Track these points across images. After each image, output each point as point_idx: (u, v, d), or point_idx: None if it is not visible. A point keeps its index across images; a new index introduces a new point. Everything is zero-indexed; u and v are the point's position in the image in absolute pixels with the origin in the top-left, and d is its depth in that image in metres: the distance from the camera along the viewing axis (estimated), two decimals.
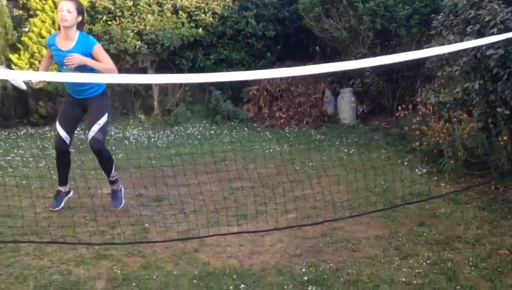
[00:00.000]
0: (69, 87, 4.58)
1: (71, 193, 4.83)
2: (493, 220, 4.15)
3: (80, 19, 4.33)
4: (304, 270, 3.42)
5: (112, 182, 4.73)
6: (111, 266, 3.53)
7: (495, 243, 3.73)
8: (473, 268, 3.37)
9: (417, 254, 3.61)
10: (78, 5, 4.34)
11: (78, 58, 4.17)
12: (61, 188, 4.74)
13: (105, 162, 4.58)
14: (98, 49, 4.36)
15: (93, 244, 3.83)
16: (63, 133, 4.47)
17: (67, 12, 4.21)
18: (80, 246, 3.82)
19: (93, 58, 4.30)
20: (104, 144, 4.50)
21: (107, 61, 4.35)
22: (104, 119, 4.46)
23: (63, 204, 4.70)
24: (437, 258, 3.52)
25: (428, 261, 3.48)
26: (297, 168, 5.96)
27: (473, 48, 4.84)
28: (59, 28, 4.42)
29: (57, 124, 4.53)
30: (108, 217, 4.38)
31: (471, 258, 3.48)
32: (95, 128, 4.40)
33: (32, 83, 4.40)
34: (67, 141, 4.49)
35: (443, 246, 3.72)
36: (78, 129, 8.65)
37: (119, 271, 3.46)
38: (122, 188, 4.81)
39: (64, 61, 4.22)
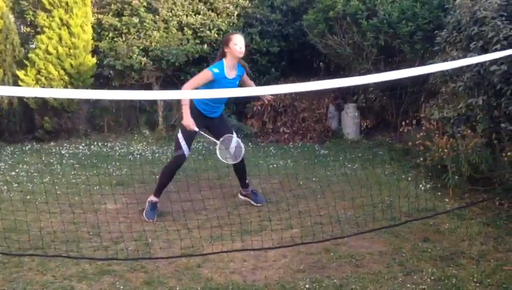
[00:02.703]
0: (208, 108, 4.94)
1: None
2: (498, 236, 4.12)
3: None
4: (307, 286, 3.40)
5: (247, 185, 5.24)
6: (114, 282, 3.53)
7: (500, 259, 3.70)
8: (477, 284, 3.34)
9: (421, 270, 3.58)
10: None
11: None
12: (157, 199, 4.97)
13: (244, 164, 5.14)
14: (245, 73, 5.12)
15: (96, 259, 3.83)
16: (187, 151, 4.88)
17: (243, 45, 4.79)
18: (82, 261, 3.82)
19: (240, 79, 5.03)
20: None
21: (251, 82, 5.30)
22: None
23: (156, 216, 4.89)
24: (441, 274, 3.49)
25: (432, 278, 3.46)
26: (301, 183, 5.95)
27: (477, 64, 4.86)
28: (220, 57, 4.92)
29: (183, 141, 4.82)
30: (112, 233, 4.38)
31: (475, 275, 3.45)
32: (236, 138, 4.99)
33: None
34: (187, 156, 4.94)
35: (447, 262, 3.69)
36: (82, 144, 8.75)
37: (121, 287, 3.45)
38: None
39: (217, 106, 4.96)
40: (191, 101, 4.80)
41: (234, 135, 4.98)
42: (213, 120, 5.01)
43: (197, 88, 4.73)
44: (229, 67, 4.83)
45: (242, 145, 4.87)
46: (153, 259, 3.85)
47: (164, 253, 3.93)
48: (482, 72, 4.88)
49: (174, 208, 4.84)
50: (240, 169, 5.14)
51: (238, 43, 4.73)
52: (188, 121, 4.68)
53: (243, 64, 5.00)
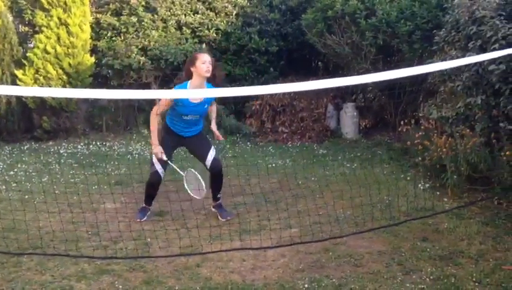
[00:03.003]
0: (179, 128, 4.77)
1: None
2: (496, 236, 4.13)
3: None
4: (306, 285, 3.40)
5: (218, 199, 4.91)
6: (113, 281, 3.52)
7: (499, 258, 3.71)
8: (476, 284, 3.34)
9: (420, 269, 3.58)
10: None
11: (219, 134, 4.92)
12: (147, 206, 4.92)
13: (221, 182, 4.82)
14: (215, 100, 4.95)
15: (95, 258, 3.82)
16: (160, 169, 4.66)
17: (210, 64, 4.49)
18: (81, 261, 3.81)
19: (211, 104, 4.83)
20: (221, 165, 4.79)
21: (215, 105, 5.04)
22: (213, 149, 4.83)
23: (145, 217, 4.85)
24: (440, 273, 3.50)
25: (431, 277, 3.46)
26: (300, 182, 5.95)
27: (475, 64, 4.86)
28: (186, 78, 4.69)
29: (155, 161, 4.64)
30: (111, 232, 4.38)
31: (474, 274, 3.46)
32: (212, 154, 4.74)
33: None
34: (162, 177, 4.72)
35: (446, 261, 3.69)
36: (81, 144, 8.73)
37: (120, 286, 3.44)
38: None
39: (204, 111, 4.74)
40: (166, 119, 4.79)
41: (210, 156, 4.72)
42: (189, 139, 4.84)
43: (163, 112, 4.70)
44: (195, 87, 4.55)
45: (201, 181, 4.57)
46: (152, 258, 3.84)
47: (163, 252, 3.92)
48: (481, 71, 4.88)
49: (173, 207, 4.84)
50: (214, 182, 4.84)
51: (204, 62, 4.48)
52: (157, 149, 4.56)
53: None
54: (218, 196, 4.86)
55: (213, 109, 4.99)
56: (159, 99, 4.68)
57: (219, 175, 4.76)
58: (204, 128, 5.05)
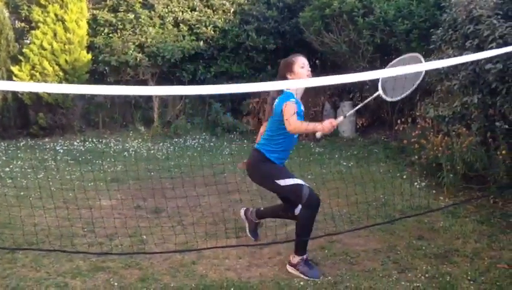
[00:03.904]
0: (287, 153, 3.83)
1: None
2: (492, 234, 4.14)
3: None
4: (302, 283, 3.40)
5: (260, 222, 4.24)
6: (108, 278, 3.51)
7: (494, 257, 3.71)
8: (471, 282, 3.35)
9: (415, 267, 3.59)
10: None
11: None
12: (306, 256, 3.66)
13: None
14: None
15: (90, 253, 3.82)
16: (304, 182, 3.71)
17: (309, 67, 3.78)
18: (76, 258, 3.80)
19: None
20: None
21: None
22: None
23: (316, 269, 3.62)
24: (435, 272, 3.50)
25: (426, 275, 3.46)
26: None
27: (472, 63, 4.87)
28: None
29: (290, 180, 3.67)
30: (106, 229, 4.37)
31: (469, 272, 3.46)
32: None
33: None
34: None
35: (442, 259, 3.70)
36: (77, 140, 8.71)
37: (116, 283, 3.44)
38: None
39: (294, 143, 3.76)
40: (264, 152, 3.73)
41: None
42: None
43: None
44: (299, 94, 3.84)
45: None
46: (147, 254, 3.84)
47: (159, 249, 3.92)
48: (478, 70, 4.89)
49: (169, 204, 4.83)
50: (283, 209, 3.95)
51: (304, 65, 3.74)
52: (326, 123, 3.50)
53: None
54: (262, 221, 4.22)
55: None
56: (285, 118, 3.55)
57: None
58: None
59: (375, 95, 3.77)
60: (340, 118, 3.71)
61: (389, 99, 3.74)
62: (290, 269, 3.60)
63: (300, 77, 3.68)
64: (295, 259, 3.59)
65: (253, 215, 4.18)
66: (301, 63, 3.74)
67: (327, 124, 3.49)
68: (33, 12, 9.10)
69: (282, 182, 3.65)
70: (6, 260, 3.78)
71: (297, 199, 3.63)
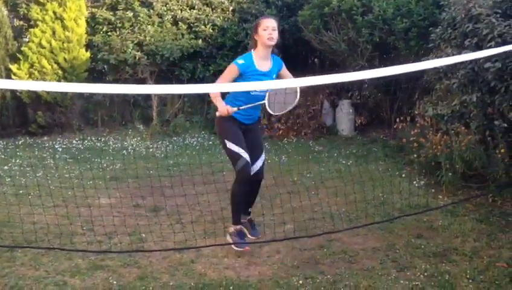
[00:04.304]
0: (244, 113, 3.98)
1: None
2: (491, 233, 4.14)
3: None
4: (301, 282, 3.41)
5: (249, 213, 4.31)
6: (107, 277, 3.51)
7: (492, 255, 3.72)
8: (470, 281, 3.35)
9: (414, 266, 3.59)
10: (278, 22, 4.06)
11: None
12: (242, 227, 4.11)
13: (256, 193, 4.24)
14: (284, 65, 4.18)
15: (90, 251, 3.82)
16: (247, 156, 3.89)
17: (272, 30, 3.90)
18: (75, 256, 3.80)
19: (279, 76, 4.10)
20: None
21: (290, 74, 4.20)
22: (264, 155, 4.15)
23: (247, 245, 4.00)
24: (434, 270, 3.51)
25: (425, 274, 3.47)
26: (295, 179, 5.95)
27: (471, 61, 4.87)
28: (250, 48, 4.04)
29: (235, 146, 3.89)
30: (105, 227, 4.37)
31: (468, 271, 3.47)
32: (262, 158, 4.08)
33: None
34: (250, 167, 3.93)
35: (440, 258, 3.71)
36: (76, 139, 8.70)
37: (115, 282, 3.44)
38: None
39: (255, 105, 3.88)
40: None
41: (260, 161, 4.03)
42: (248, 128, 4.06)
43: (231, 81, 3.91)
44: (261, 57, 3.96)
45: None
46: (147, 252, 3.84)
47: (158, 248, 3.92)
48: (476, 69, 4.89)
49: (168, 203, 4.83)
50: (250, 192, 4.18)
51: (265, 28, 3.88)
52: (222, 108, 3.79)
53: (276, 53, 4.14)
54: (250, 210, 4.29)
55: (285, 74, 4.16)
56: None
57: (258, 186, 4.16)
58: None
59: (262, 102, 3.92)
60: (235, 109, 3.89)
61: (270, 111, 3.95)
62: (227, 237, 4.05)
63: (262, 39, 3.91)
64: (230, 228, 4.05)
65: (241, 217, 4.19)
66: (264, 25, 3.90)
67: (223, 108, 3.81)
68: (32, 10, 9.08)
69: (228, 144, 3.93)
70: (5, 258, 3.78)
71: (233, 166, 3.96)
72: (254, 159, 4.01)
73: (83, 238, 4.17)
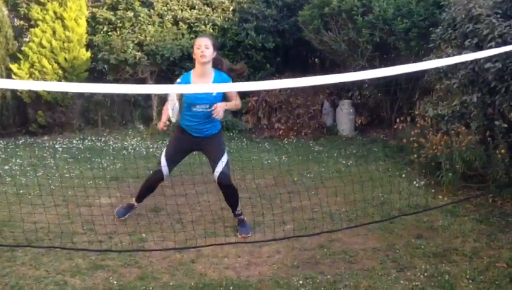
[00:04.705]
0: (191, 125, 4.35)
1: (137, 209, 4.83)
2: (491, 233, 4.15)
3: (214, 54, 4.22)
4: (301, 282, 3.41)
5: (238, 215, 4.49)
6: (107, 277, 3.52)
7: (492, 256, 3.73)
8: (470, 281, 3.36)
9: (414, 266, 3.60)
10: (214, 41, 4.27)
11: (221, 108, 4.12)
12: (135, 204, 4.75)
13: (232, 195, 4.39)
14: None
15: (90, 250, 3.82)
16: (166, 171, 4.39)
17: (205, 48, 4.11)
18: (76, 256, 3.81)
19: (224, 95, 4.26)
20: (230, 178, 4.33)
21: (237, 97, 4.39)
22: (226, 157, 4.32)
23: (127, 216, 4.69)
24: (434, 270, 3.51)
25: (425, 274, 3.47)
26: (296, 179, 5.96)
27: (471, 62, 4.87)
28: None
29: (164, 158, 4.40)
30: (106, 227, 4.37)
31: (468, 271, 3.47)
32: (221, 165, 4.24)
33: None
34: (166, 177, 4.45)
35: (440, 258, 3.71)
36: (76, 139, 8.70)
37: (115, 282, 3.44)
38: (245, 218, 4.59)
39: (213, 114, 4.10)
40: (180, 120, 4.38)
41: (218, 169, 4.24)
42: (201, 141, 4.39)
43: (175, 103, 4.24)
44: (197, 74, 4.22)
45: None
46: (147, 251, 3.84)
47: (158, 248, 3.92)
48: (477, 69, 4.89)
49: (169, 202, 4.84)
50: (225, 198, 4.45)
51: (198, 46, 4.12)
52: (160, 122, 4.27)
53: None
54: (236, 212, 4.47)
55: (232, 97, 4.36)
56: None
57: (227, 190, 4.33)
58: (221, 134, 4.59)
59: (174, 106, 4.14)
60: (163, 124, 4.27)
61: (171, 114, 4.14)
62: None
63: (196, 57, 4.16)
64: (132, 200, 4.73)
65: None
66: (197, 44, 4.16)
67: (160, 123, 4.29)
68: (32, 10, 9.07)
69: (163, 151, 4.50)
70: (6, 258, 3.79)
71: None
72: (213, 166, 4.28)
73: (84, 238, 4.17)
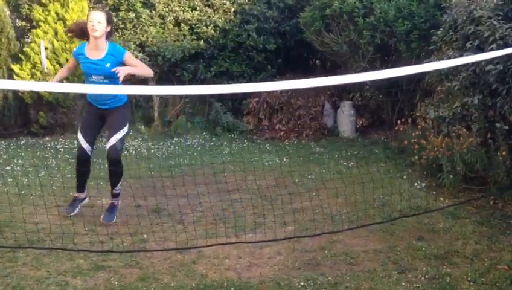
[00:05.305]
0: (93, 97, 4.58)
1: (86, 200, 4.92)
2: (492, 235, 4.14)
3: (109, 28, 4.43)
4: (302, 283, 3.41)
5: (114, 195, 4.71)
6: (108, 278, 3.52)
7: (494, 258, 3.72)
8: (471, 283, 3.36)
9: (416, 268, 3.60)
10: (108, 15, 4.45)
11: (123, 71, 4.26)
12: (78, 195, 4.83)
13: (117, 173, 4.58)
14: (128, 56, 4.50)
15: (92, 251, 3.83)
16: (85, 144, 4.52)
17: (97, 23, 4.30)
18: (77, 257, 3.81)
19: (124, 65, 4.42)
20: (120, 155, 4.52)
21: (140, 64, 4.61)
22: (125, 130, 4.53)
23: (77, 210, 4.79)
24: (435, 272, 3.51)
25: (426, 276, 3.47)
26: (296, 180, 5.96)
27: (472, 64, 4.88)
28: (87, 39, 4.47)
29: (79, 134, 4.56)
30: (107, 228, 4.38)
31: (469, 273, 3.47)
32: (116, 137, 4.45)
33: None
34: (89, 152, 4.55)
35: (442, 260, 3.71)
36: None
37: (116, 282, 3.45)
38: (119, 205, 4.80)
39: (117, 74, 4.23)
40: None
41: (112, 140, 4.44)
42: (105, 113, 4.58)
43: (71, 68, 4.75)
44: (90, 47, 4.42)
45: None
46: (148, 252, 3.84)
47: (159, 248, 3.92)
48: (478, 71, 4.90)
49: (170, 203, 4.84)
50: (109, 172, 4.66)
51: (90, 20, 4.32)
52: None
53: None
54: (114, 191, 4.66)
55: (133, 65, 4.47)
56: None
57: (114, 165, 4.48)
58: (128, 108, 4.77)
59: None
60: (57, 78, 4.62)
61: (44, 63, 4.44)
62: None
63: (88, 30, 4.34)
64: (76, 194, 4.80)
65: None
66: (90, 18, 4.36)
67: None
68: (34, 11, 9.09)
69: (78, 128, 4.66)
70: (7, 258, 3.79)
71: None
72: (108, 138, 4.50)
73: (85, 239, 4.17)
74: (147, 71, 4.55)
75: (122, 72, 4.23)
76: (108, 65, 4.37)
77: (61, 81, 4.64)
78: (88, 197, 4.94)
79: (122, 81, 4.28)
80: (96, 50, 4.41)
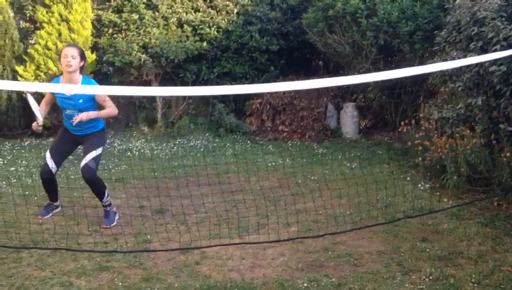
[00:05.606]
0: (68, 126, 4.66)
1: (59, 208, 4.93)
2: (496, 237, 4.13)
3: (82, 63, 4.49)
4: (305, 284, 3.41)
5: (104, 205, 4.71)
6: (112, 278, 3.53)
7: (498, 259, 3.72)
8: (475, 285, 3.35)
9: (419, 269, 3.59)
10: (81, 50, 4.51)
11: (84, 116, 4.41)
12: (52, 203, 4.89)
13: (97, 190, 4.60)
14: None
15: (96, 251, 3.84)
16: (51, 164, 4.56)
17: (72, 58, 4.36)
18: (81, 257, 3.82)
19: (95, 101, 4.53)
20: (96, 173, 4.50)
21: (109, 104, 4.59)
22: (99, 151, 4.55)
23: (50, 215, 4.81)
24: (439, 274, 3.51)
25: (430, 277, 3.47)
26: (300, 181, 5.96)
27: (476, 64, 4.87)
28: (60, 74, 4.59)
29: (48, 153, 4.62)
30: (111, 228, 4.39)
31: (473, 275, 3.47)
32: (89, 156, 4.46)
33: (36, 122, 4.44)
34: (53, 169, 4.58)
35: (445, 262, 3.70)
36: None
37: (120, 283, 3.45)
38: (115, 210, 4.81)
39: (72, 121, 4.41)
40: None
41: (85, 159, 4.44)
42: (80, 138, 4.66)
43: (48, 102, 4.72)
44: (65, 81, 4.47)
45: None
46: (152, 252, 3.85)
47: (163, 249, 3.93)
48: (482, 72, 4.89)
49: (173, 204, 4.85)
50: (91, 189, 4.69)
51: (64, 56, 4.37)
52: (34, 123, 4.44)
53: None
54: (102, 204, 4.69)
55: (103, 100, 4.59)
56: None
57: (89, 183, 4.51)
58: (103, 133, 4.81)
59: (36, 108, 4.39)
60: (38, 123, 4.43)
61: (38, 115, 4.38)
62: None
63: (62, 65, 4.41)
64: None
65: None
66: (64, 53, 4.38)
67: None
68: (38, 12, 9.12)
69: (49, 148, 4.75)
70: (12, 259, 3.80)
71: None
72: (83, 156, 4.50)
73: (89, 239, 4.19)
74: (111, 112, 4.62)
75: (84, 117, 4.41)
76: (81, 101, 4.46)
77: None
78: (61, 207, 4.94)
79: (86, 120, 4.43)
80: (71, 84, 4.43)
